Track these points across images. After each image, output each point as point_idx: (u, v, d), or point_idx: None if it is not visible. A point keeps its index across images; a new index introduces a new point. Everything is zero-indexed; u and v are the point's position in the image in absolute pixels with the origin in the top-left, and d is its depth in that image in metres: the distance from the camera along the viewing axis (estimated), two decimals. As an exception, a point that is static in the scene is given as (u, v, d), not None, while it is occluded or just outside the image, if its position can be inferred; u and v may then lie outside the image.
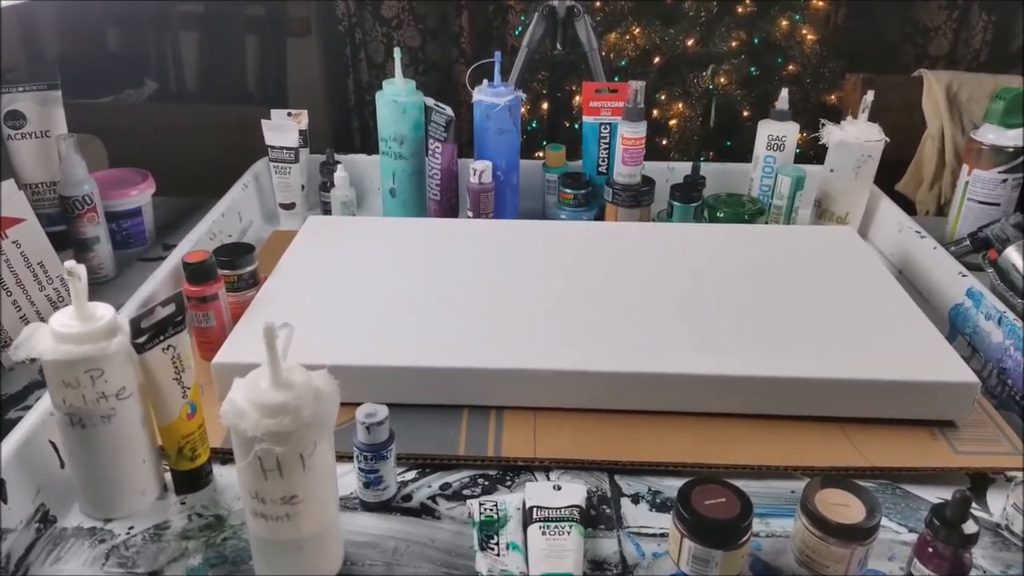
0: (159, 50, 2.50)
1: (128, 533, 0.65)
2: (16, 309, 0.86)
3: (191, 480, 0.68)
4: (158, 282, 0.89)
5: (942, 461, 0.72)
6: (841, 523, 0.60)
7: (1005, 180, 1.11)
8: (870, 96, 1.10)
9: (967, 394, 0.75)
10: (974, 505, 0.67)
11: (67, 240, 1.01)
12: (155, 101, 2.45)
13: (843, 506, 0.61)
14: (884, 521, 0.65)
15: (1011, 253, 0.99)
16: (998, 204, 1.12)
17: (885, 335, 0.82)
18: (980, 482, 0.71)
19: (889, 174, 1.27)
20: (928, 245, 1.03)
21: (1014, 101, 1.09)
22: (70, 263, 0.59)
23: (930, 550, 0.58)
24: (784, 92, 1.15)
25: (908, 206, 1.48)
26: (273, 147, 1.15)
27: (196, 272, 0.81)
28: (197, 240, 0.99)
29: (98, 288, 1.02)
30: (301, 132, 1.16)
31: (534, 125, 2.16)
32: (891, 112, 1.19)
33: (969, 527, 0.57)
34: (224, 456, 0.72)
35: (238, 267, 0.87)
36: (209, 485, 0.69)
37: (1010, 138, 1.09)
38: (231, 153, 1.31)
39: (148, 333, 0.61)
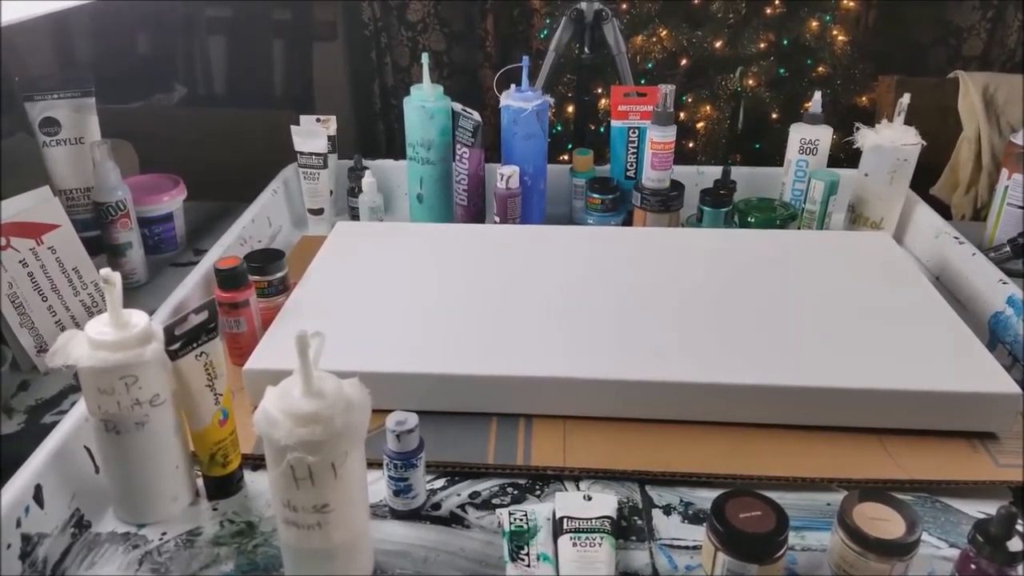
0: (188, 55, 2.53)
1: (161, 539, 0.65)
2: (52, 314, 0.87)
3: (223, 486, 0.69)
4: (190, 288, 0.89)
5: (983, 474, 0.70)
6: (881, 538, 0.58)
7: (1046, 184, 1.08)
8: (906, 99, 1.08)
9: (1009, 405, 0.73)
10: (1019, 521, 0.65)
11: (100, 245, 1.02)
12: (184, 106, 2.47)
13: (882, 520, 0.60)
14: (924, 536, 0.64)
15: (1052, 259, 0.97)
16: (1038, 209, 1.09)
17: (923, 344, 0.80)
18: (1022, 496, 0.70)
19: (924, 177, 1.24)
20: (967, 251, 1.01)
21: (1055, 104, 1.07)
22: (105, 271, 0.59)
23: (973, 567, 0.56)
24: (817, 95, 1.13)
25: (943, 210, 1.44)
26: (302, 153, 1.15)
27: (228, 278, 0.81)
28: (228, 245, 0.99)
29: (130, 293, 1.03)
30: (330, 138, 1.17)
31: (559, 129, 2.15)
32: (925, 114, 1.17)
33: (1014, 544, 0.55)
34: (255, 462, 0.72)
35: (268, 273, 0.88)
36: (241, 491, 0.70)
37: (1050, 141, 1.07)
38: (259, 158, 1.32)
39: (181, 340, 0.62)
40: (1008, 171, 1.11)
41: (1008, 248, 1.06)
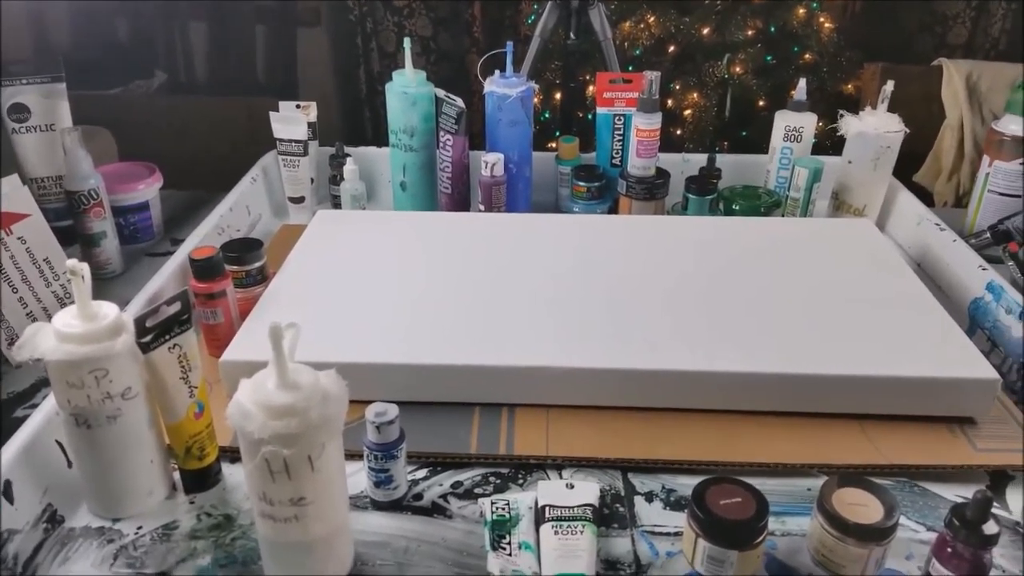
0: (168, 40, 2.49)
1: (137, 533, 0.64)
2: (22, 306, 0.85)
3: (200, 479, 0.68)
4: (165, 278, 0.88)
5: (961, 459, 0.71)
6: (859, 523, 0.59)
7: (1027, 171, 1.08)
8: (890, 86, 1.08)
9: (987, 390, 0.74)
10: (995, 505, 0.65)
11: (73, 235, 1.01)
12: (164, 92, 2.45)
13: (861, 505, 0.60)
14: (902, 520, 0.64)
15: (1033, 246, 0.97)
16: (1019, 196, 1.09)
17: (904, 330, 0.80)
18: (999, 480, 0.70)
19: (907, 165, 1.25)
20: (948, 238, 1.01)
21: (1037, 90, 1.07)
22: (72, 261, 0.58)
23: (949, 550, 0.57)
24: (802, 82, 1.13)
25: (925, 197, 1.45)
26: (282, 140, 1.14)
27: (203, 268, 0.80)
28: (205, 235, 0.98)
29: (105, 284, 1.02)
30: (310, 124, 1.15)
31: (546, 116, 2.14)
32: (909, 102, 1.17)
33: (990, 528, 0.56)
34: (233, 455, 0.71)
35: (246, 263, 0.86)
36: (218, 484, 0.69)
37: (1033, 128, 1.07)
38: (240, 145, 1.31)
39: (153, 332, 0.61)
40: (989, 158, 1.11)
41: (988, 235, 1.06)
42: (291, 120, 1.13)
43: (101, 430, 0.61)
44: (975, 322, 0.91)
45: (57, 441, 0.67)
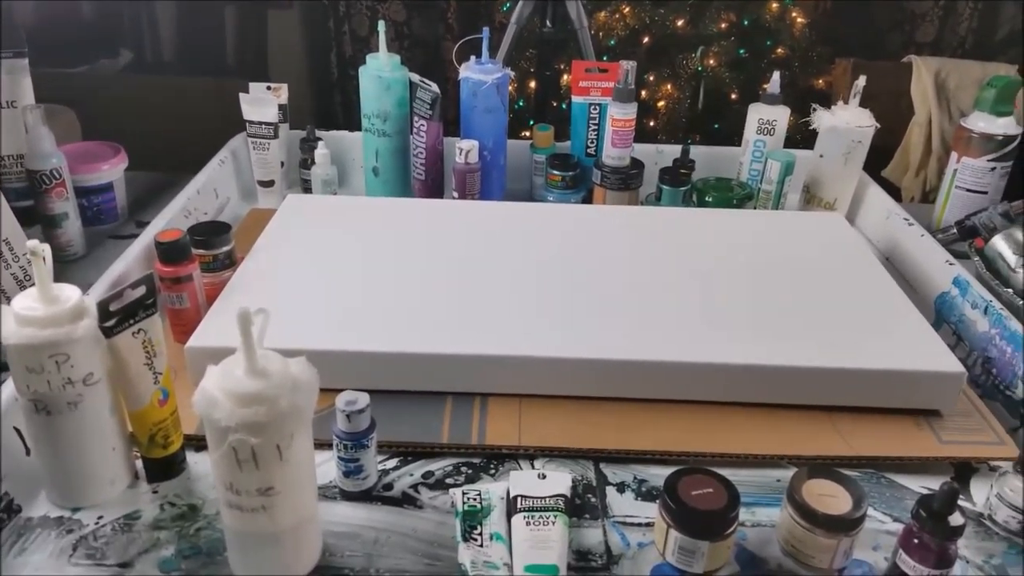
0: (135, 18, 2.43)
1: (97, 523, 0.62)
2: (-19, 288, 0.83)
3: (164, 468, 0.66)
4: (130, 261, 0.86)
5: (927, 451, 0.72)
6: (828, 514, 0.59)
7: (994, 168, 1.10)
8: (862, 81, 1.09)
9: (953, 384, 0.75)
10: (961, 496, 0.66)
11: (34, 216, 0.98)
12: (130, 72, 2.39)
13: (830, 496, 0.61)
14: (869, 511, 0.65)
15: (998, 242, 0.98)
16: (986, 192, 1.11)
17: (872, 323, 0.81)
18: (964, 472, 0.71)
19: (875, 160, 1.26)
20: (916, 233, 1.03)
21: (1005, 89, 1.08)
22: (32, 242, 0.56)
23: (916, 541, 0.57)
24: (776, 75, 1.13)
25: (893, 192, 1.47)
26: (251, 122, 1.11)
27: (169, 252, 0.78)
28: (171, 218, 0.96)
29: (67, 266, 1.00)
30: (281, 107, 1.13)
31: (521, 105, 2.13)
32: (879, 98, 1.18)
33: (955, 519, 0.56)
34: (199, 443, 0.70)
35: (214, 247, 0.85)
36: (183, 473, 0.67)
37: (1000, 126, 1.08)
38: (208, 127, 1.28)
39: (117, 316, 0.59)
40: (958, 154, 1.12)
41: (955, 230, 1.08)
42: (261, 102, 1.11)
43: (61, 417, 0.59)
44: (941, 316, 0.93)
45: (15, 428, 0.65)
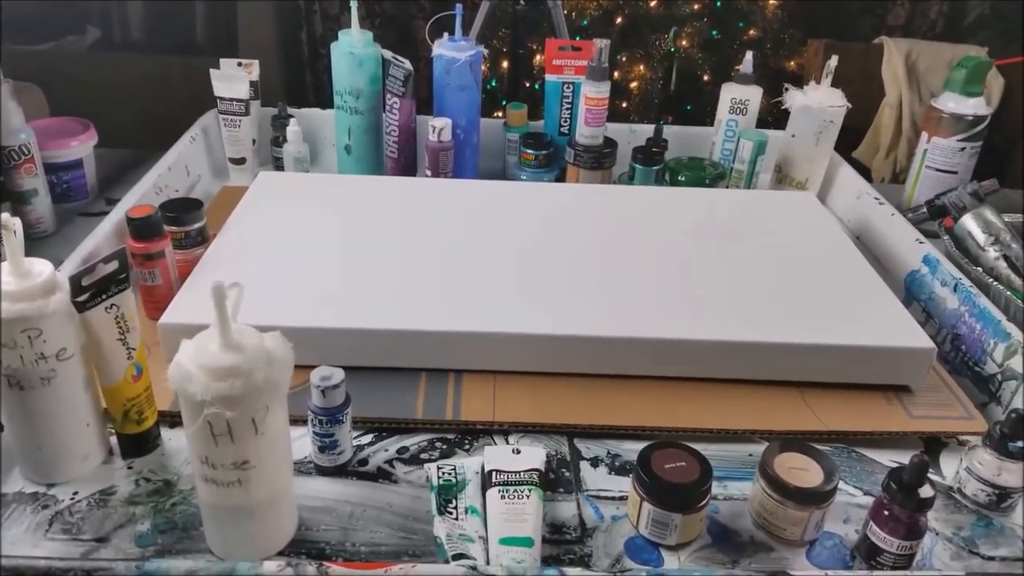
0: (102, -5, 2.38)
1: (72, 499, 0.62)
2: (-54, 265, 0.81)
3: (138, 444, 0.66)
4: (100, 238, 0.84)
5: (897, 425, 0.73)
6: (800, 487, 0.60)
7: (963, 148, 1.12)
8: (834, 61, 1.10)
9: (923, 360, 0.76)
10: (930, 469, 0.68)
11: (3, 193, 0.96)
12: (98, 49, 2.33)
13: (801, 470, 0.62)
14: (840, 484, 0.66)
15: (967, 221, 1.00)
16: (956, 172, 1.13)
17: (843, 300, 0.82)
18: (934, 446, 0.73)
19: (846, 141, 1.28)
20: (886, 212, 1.04)
21: (976, 70, 1.10)
22: (4, 216, 0.55)
23: (886, 513, 0.59)
24: (748, 55, 1.14)
25: (864, 173, 1.49)
26: (222, 99, 1.10)
27: (141, 228, 0.77)
28: (142, 195, 0.94)
29: (37, 244, 0.98)
30: (252, 83, 1.12)
31: (494, 84, 2.12)
32: (851, 79, 1.19)
33: (925, 491, 0.57)
34: (173, 419, 0.69)
35: (185, 223, 0.84)
36: (157, 449, 0.67)
37: (970, 107, 1.10)
38: (178, 104, 1.26)
39: (90, 291, 0.58)
40: (928, 135, 1.14)
41: (925, 209, 1.10)
42: (232, 78, 1.09)
43: (35, 392, 0.58)
44: (911, 294, 0.95)
45: (-13, 404, 0.64)
